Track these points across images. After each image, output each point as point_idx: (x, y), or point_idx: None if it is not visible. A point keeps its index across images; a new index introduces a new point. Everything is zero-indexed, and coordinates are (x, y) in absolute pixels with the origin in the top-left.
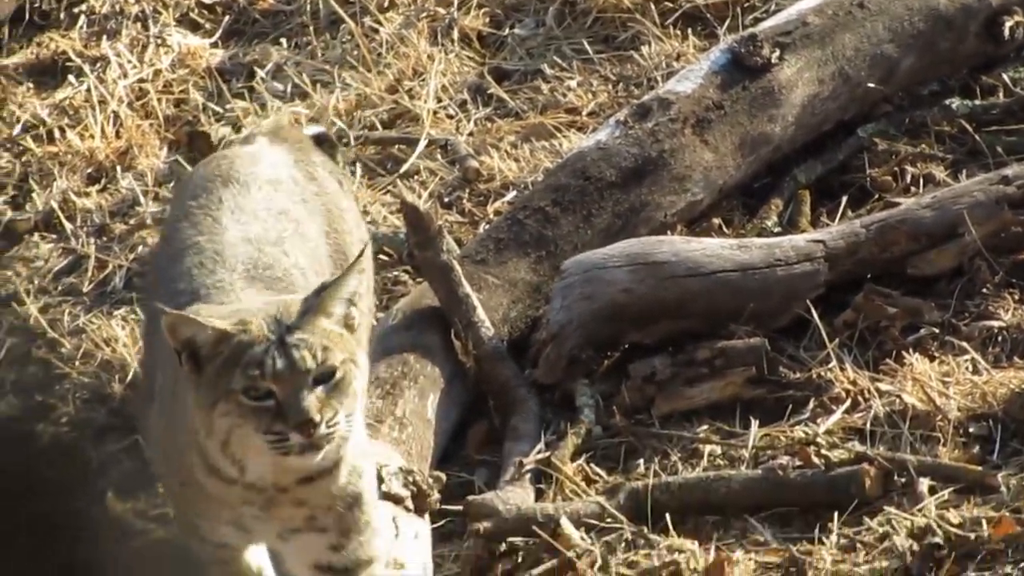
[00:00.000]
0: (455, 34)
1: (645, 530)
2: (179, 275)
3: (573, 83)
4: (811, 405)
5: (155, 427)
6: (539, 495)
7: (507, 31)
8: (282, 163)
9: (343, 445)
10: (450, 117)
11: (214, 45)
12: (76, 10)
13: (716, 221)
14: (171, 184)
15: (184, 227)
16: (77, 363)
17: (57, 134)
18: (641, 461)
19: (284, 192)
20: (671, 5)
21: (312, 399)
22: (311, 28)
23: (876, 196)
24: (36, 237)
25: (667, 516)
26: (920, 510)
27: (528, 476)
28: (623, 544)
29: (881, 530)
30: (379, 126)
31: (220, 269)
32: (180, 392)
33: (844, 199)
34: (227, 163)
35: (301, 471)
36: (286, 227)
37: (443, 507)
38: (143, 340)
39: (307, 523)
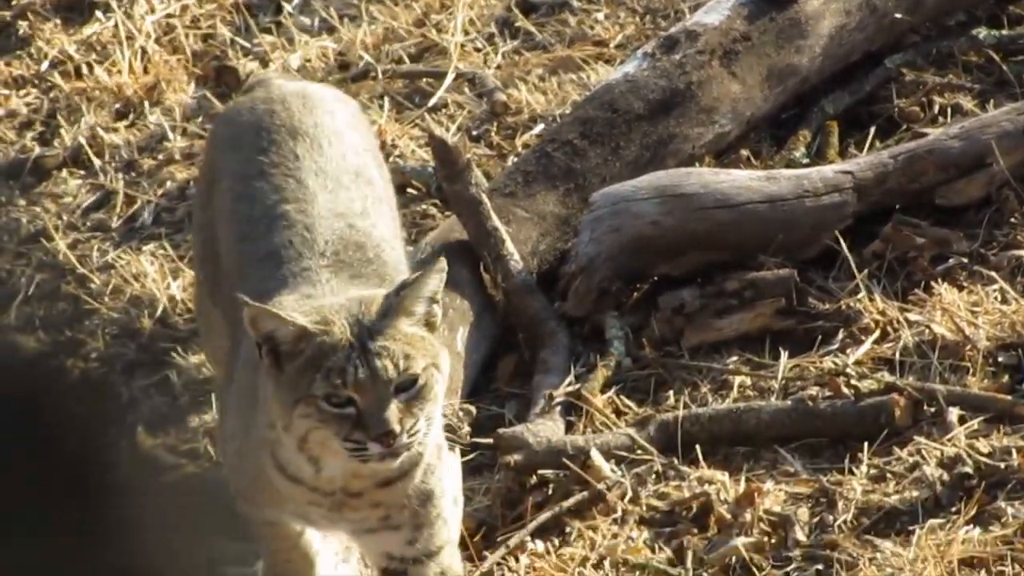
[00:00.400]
0: None
1: (675, 461)
2: (267, 255)
3: (600, 15)
4: (840, 336)
5: (230, 420)
6: (569, 427)
7: None
8: (336, 108)
9: (422, 448)
10: (477, 50)
11: None
12: None
13: (744, 153)
14: (199, 119)
15: (264, 188)
16: (106, 299)
17: (85, 70)
18: (671, 393)
19: (349, 145)
20: None
21: (393, 410)
22: None
23: (904, 127)
24: (64, 173)
25: (697, 448)
26: (950, 440)
27: (558, 409)
28: (653, 476)
29: (911, 460)
30: (407, 60)
31: (308, 253)
32: (259, 387)
33: (872, 130)
34: (284, 110)
35: (378, 476)
36: (366, 192)
37: (473, 440)
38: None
39: (381, 523)
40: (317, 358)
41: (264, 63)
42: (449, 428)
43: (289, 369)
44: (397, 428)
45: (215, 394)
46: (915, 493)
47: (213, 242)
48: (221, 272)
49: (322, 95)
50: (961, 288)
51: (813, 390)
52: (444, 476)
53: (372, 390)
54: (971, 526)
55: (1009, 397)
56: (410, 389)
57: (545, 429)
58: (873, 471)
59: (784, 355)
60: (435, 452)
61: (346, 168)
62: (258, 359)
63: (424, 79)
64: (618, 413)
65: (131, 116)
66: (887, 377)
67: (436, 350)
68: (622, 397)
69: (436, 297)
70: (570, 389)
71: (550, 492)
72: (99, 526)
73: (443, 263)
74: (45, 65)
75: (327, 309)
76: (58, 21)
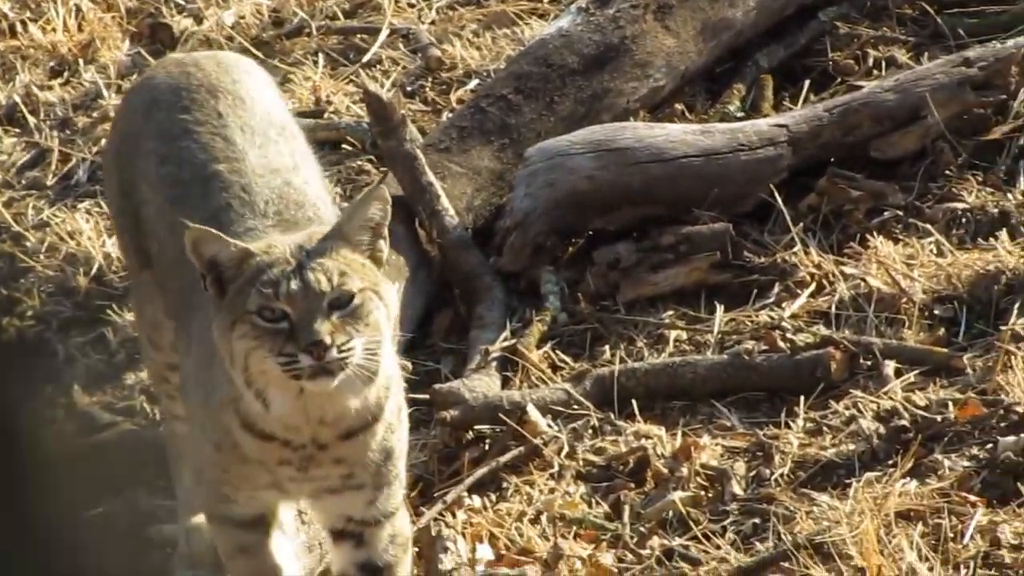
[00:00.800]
0: None
1: (612, 416)
2: (206, 219)
3: None
4: (776, 289)
5: (192, 393)
6: (505, 383)
7: None
8: (250, 68)
9: (369, 385)
10: (411, 6)
11: None
12: None
13: (679, 107)
14: (134, 76)
15: (192, 148)
16: (42, 256)
17: (19, 28)
18: (607, 347)
19: (270, 100)
20: None
21: (323, 322)
22: None
23: (838, 80)
24: None
25: (633, 402)
26: (886, 393)
27: (494, 364)
28: (590, 431)
29: (847, 413)
30: (340, 16)
31: (250, 214)
32: (214, 345)
33: (806, 83)
34: (199, 71)
35: (326, 412)
36: (293, 147)
37: (409, 396)
38: (173, 309)
39: (344, 481)
40: (255, 276)
41: (198, 20)
42: None
43: (230, 291)
44: (327, 340)
45: (145, 364)
46: (851, 446)
47: (135, 211)
48: (153, 245)
49: (234, 58)
50: (896, 241)
51: (749, 344)
52: (404, 436)
53: (304, 302)
54: (908, 479)
55: (945, 350)
56: (345, 307)
57: (481, 384)
58: (809, 425)
59: (720, 309)
60: (396, 412)
61: (271, 122)
62: (202, 289)
63: (358, 35)
64: (554, 368)
65: (66, 74)
66: (823, 330)
67: (377, 278)
68: (558, 352)
69: (382, 231)
70: (506, 344)
71: (486, 447)
72: (33, 484)
73: (383, 191)
74: None
75: (275, 239)
76: None
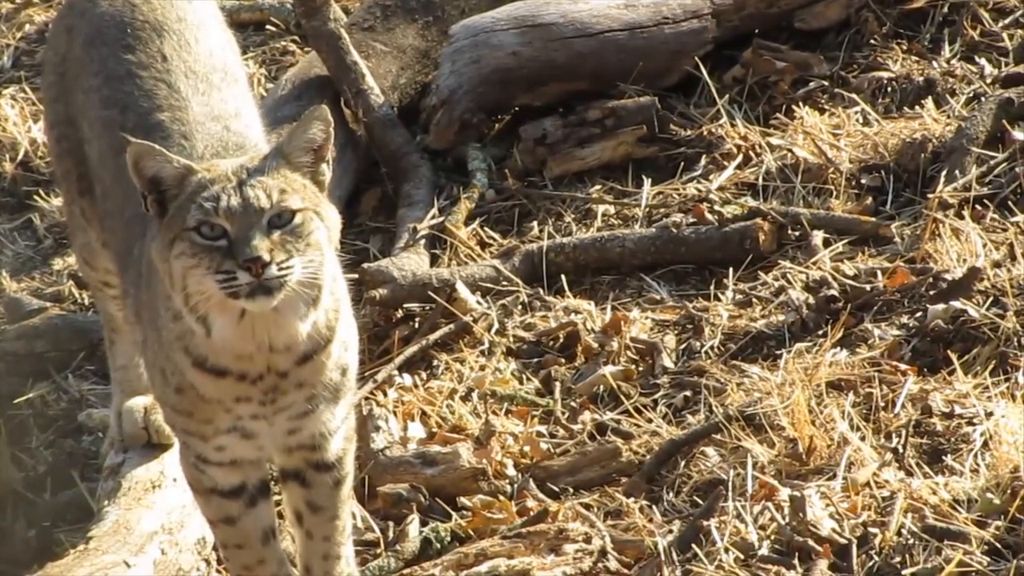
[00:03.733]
0: None
1: (541, 292)
2: None
3: None
4: (703, 162)
5: (147, 344)
6: (434, 260)
7: None
8: None
9: (314, 306)
10: None
11: None
12: None
13: None
14: None
15: (135, 95)
16: None
17: None
18: (535, 223)
19: (215, 40)
20: None
21: (262, 238)
22: None
23: None
24: None
25: (562, 277)
26: (815, 263)
27: (422, 242)
28: (519, 307)
29: (776, 284)
30: None
31: (188, 160)
32: (161, 288)
33: None
34: (144, 3)
35: (260, 318)
36: (236, 91)
37: None
38: (118, 261)
39: (309, 403)
40: (196, 192)
41: None
42: None
43: (171, 208)
44: (266, 256)
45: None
46: (781, 317)
47: (76, 141)
48: (96, 187)
49: None
50: (823, 111)
51: (677, 217)
52: (356, 350)
53: (243, 218)
54: (838, 349)
55: (873, 219)
56: (285, 226)
57: (410, 263)
58: (739, 296)
59: (647, 183)
60: (348, 329)
61: (214, 66)
62: (143, 210)
63: None
64: (483, 245)
65: None
66: (751, 202)
67: (319, 199)
68: (486, 229)
69: (324, 153)
70: (434, 222)
71: (416, 326)
72: None
73: (324, 110)
74: None
75: (217, 161)
76: None
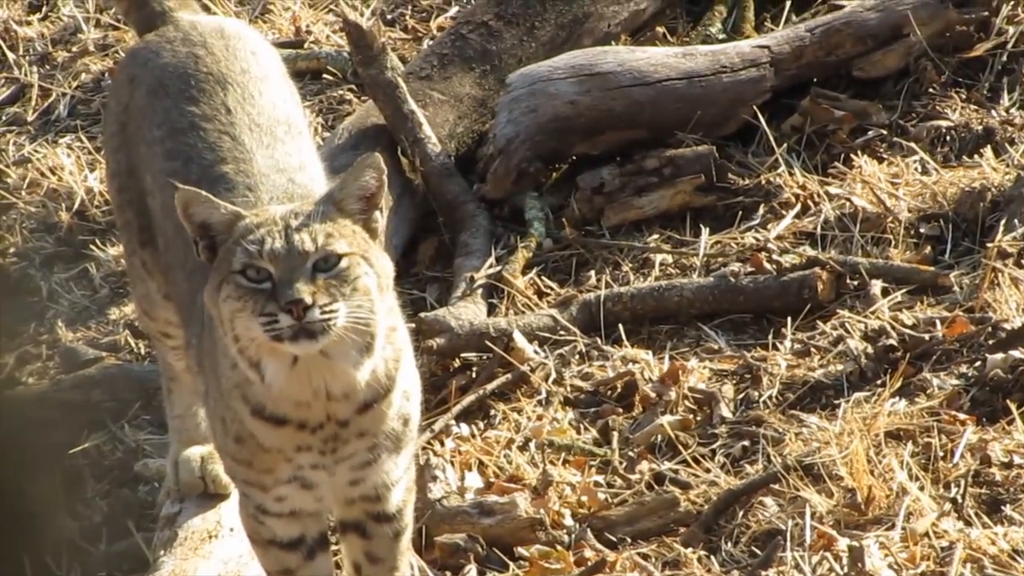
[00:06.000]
0: None
1: (598, 341)
2: None
3: None
4: (761, 211)
5: (208, 394)
6: (491, 310)
7: None
8: (257, 48)
9: (367, 353)
10: None
11: None
12: None
13: (660, 30)
14: (112, 10)
15: (199, 147)
16: (23, 192)
17: None
18: (592, 272)
19: (277, 93)
20: None
21: (304, 281)
22: None
23: None
24: None
25: (620, 327)
26: (873, 312)
27: (480, 291)
28: (576, 356)
29: (835, 334)
30: None
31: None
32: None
33: (788, 3)
34: (208, 55)
35: (313, 365)
36: (300, 145)
37: None
38: (180, 312)
39: (370, 453)
40: (242, 236)
41: None
42: None
43: (220, 252)
44: (308, 300)
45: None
46: (839, 367)
47: (138, 192)
48: (160, 240)
49: (241, 32)
50: (881, 160)
51: (735, 266)
52: (418, 400)
53: (287, 261)
54: (896, 398)
55: (932, 268)
56: (330, 270)
57: (467, 312)
58: (797, 346)
59: (705, 232)
60: (410, 379)
61: (278, 119)
62: (195, 256)
63: None
64: (540, 294)
65: (44, 8)
66: (809, 251)
67: (368, 246)
68: (543, 278)
69: (377, 201)
70: (491, 271)
71: (473, 375)
72: (16, 421)
73: (377, 159)
74: None
75: (268, 207)
76: None
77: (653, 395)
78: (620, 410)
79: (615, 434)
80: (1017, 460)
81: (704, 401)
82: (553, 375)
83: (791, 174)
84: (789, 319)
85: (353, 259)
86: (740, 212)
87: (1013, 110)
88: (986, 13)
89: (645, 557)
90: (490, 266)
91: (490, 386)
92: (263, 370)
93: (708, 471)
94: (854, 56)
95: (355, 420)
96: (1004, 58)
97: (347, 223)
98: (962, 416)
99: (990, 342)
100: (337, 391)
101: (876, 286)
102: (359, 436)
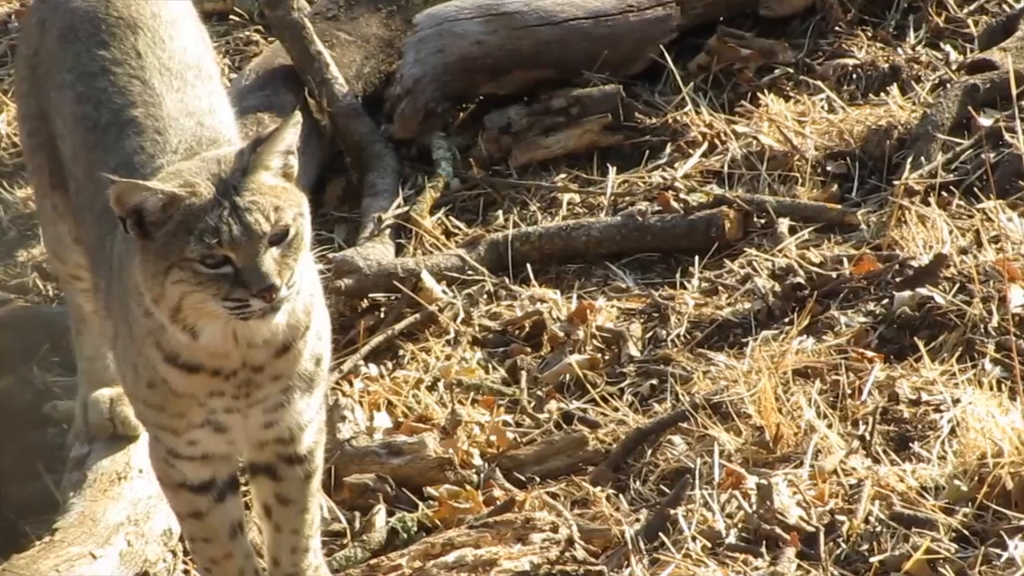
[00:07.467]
0: None
1: (507, 281)
2: (120, 164)
3: None
4: (668, 150)
5: (117, 339)
6: (399, 250)
7: None
8: None
9: (298, 304)
10: None
11: None
12: None
13: None
14: None
15: (109, 91)
16: None
17: None
18: (500, 212)
19: (186, 32)
20: None
21: (271, 263)
22: None
23: None
24: None
25: (528, 266)
26: (780, 251)
27: (388, 232)
28: (485, 296)
29: (742, 272)
30: None
31: (160, 154)
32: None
33: None
34: None
35: (256, 336)
36: (210, 88)
37: None
38: (89, 255)
39: (284, 395)
40: (188, 221)
41: None
42: None
43: (158, 236)
44: (278, 282)
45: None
46: (747, 305)
47: (49, 136)
48: (71, 182)
49: None
50: (788, 98)
51: (642, 205)
52: (329, 338)
53: (248, 246)
54: (804, 336)
55: (839, 206)
56: (283, 241)
57: (375, 252)
58: (704, 284)
59: (612, 171)
60: (321, 318)
61: (188, 63)
62: (123, 233)
63: None
64: (448, 234)
65: None
66: (716, 190)
67: (299, 198)
68: (451, 218)
69: (292, 148)
70: (399, 211)
71: (382, 316)
72: None
73: (298, 116)
74: None
75: (186, 172)
76: None
77: (561, 334)
78: (528, 350)
79: (523, 374)
80: (925, 397)
81: (612, 340)
82: (461, 315)
83: (698, 113)
84: (696, 258)
85: (297, 223)
86: (647, 151)
87: (919, 48)
88: None
89: (554, 496)
90: (398, 206)
91: (398, 326)
92: (198, 331)
93: (616, 410)
94: None
95: (271, 364)
96: None
97: (278, 183)
98: (870, 354)
99: (897, 280)
100: (259, 340)
101: (783, 224)
102: (273, 379)
